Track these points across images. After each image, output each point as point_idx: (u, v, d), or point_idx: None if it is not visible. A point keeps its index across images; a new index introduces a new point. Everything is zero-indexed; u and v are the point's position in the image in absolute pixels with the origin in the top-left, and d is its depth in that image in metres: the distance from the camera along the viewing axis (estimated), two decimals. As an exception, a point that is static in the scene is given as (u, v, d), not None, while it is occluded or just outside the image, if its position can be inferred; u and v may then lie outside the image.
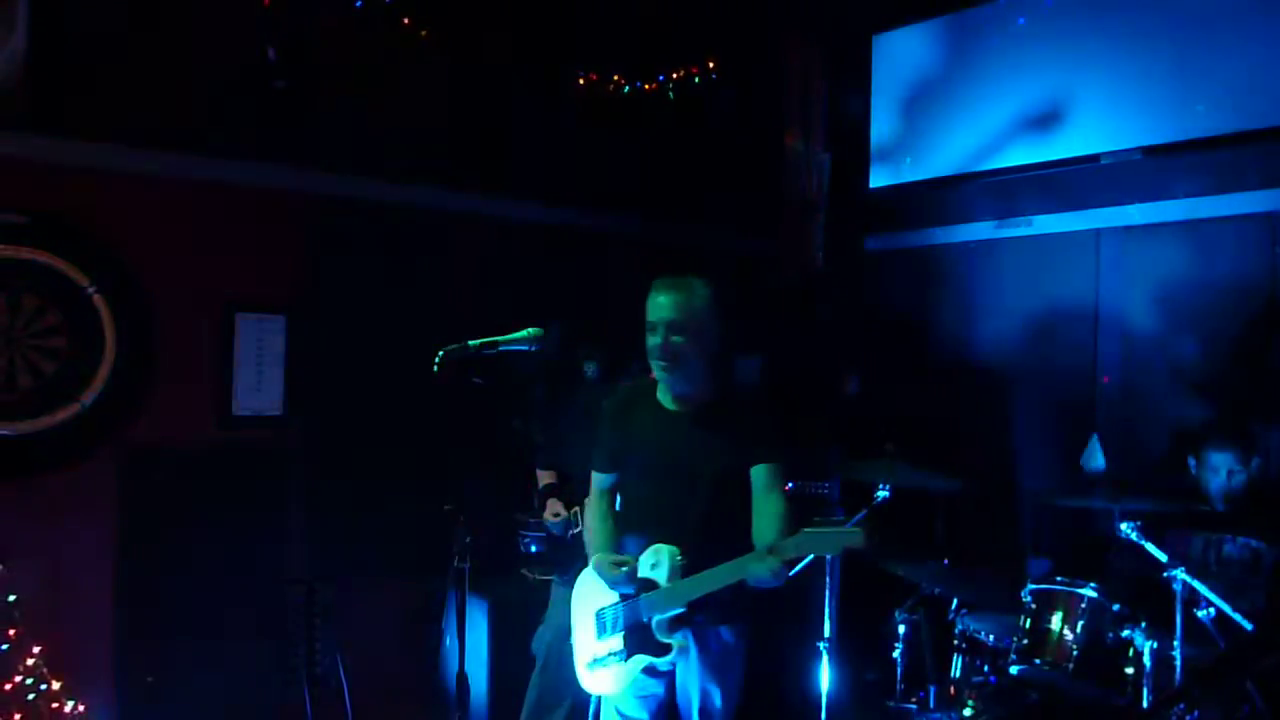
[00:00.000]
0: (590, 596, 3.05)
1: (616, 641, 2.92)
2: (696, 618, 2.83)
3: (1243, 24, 4.14)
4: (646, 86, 5.35)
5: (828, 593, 3.68)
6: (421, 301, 4.69)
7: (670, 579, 2.81)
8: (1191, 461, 3.74)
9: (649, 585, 2.86)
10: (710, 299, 2.91)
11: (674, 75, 5.39)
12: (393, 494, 4.57)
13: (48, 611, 3.74)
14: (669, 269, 5.27)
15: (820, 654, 3.65)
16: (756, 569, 2.64)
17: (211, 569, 4.15)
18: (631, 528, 3.01)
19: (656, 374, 2.92)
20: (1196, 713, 3.03)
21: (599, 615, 2.99)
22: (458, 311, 4.73)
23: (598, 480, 3.13)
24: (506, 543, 4.53)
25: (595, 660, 2.97)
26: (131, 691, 3.99)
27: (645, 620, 2.84)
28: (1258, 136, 4.12)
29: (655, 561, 2.85)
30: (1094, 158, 4.57)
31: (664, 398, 2.99)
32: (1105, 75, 4.55)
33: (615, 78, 5.24)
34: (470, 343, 2.62)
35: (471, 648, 4.21)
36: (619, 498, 3.13)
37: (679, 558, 2.81)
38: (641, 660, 2.84)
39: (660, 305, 2.89)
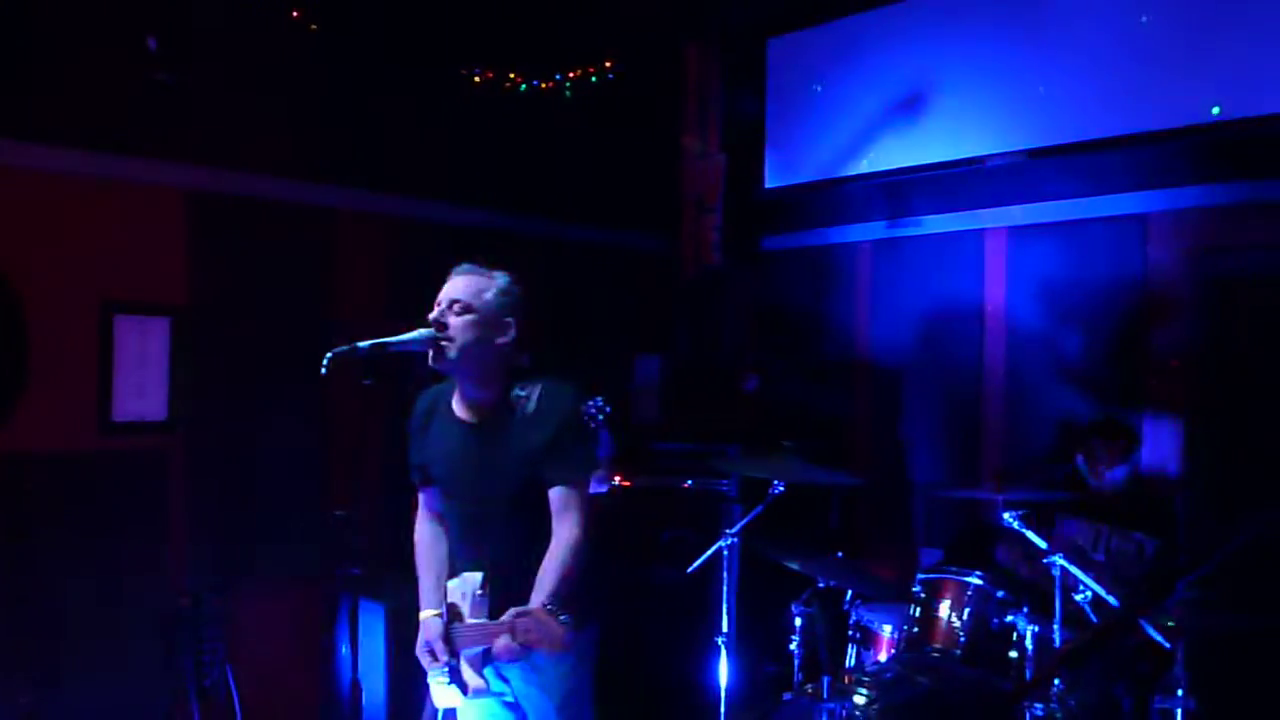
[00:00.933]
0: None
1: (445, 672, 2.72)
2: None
3: (1113, 29, 4.32)
4: (544, 85, 5.33)
5: (725, 587, 3.73)
6: (311, 302, 4.60)
7: (473, 613, 2.64)
8: (1079, 457, 3.88)
9: (457, 615, 2.69)
10: (510, 292, 2.71)
11: (571, 74, 5.38)
12: (283, 499, 4.47)
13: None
14: (569, 267, 5.34)
15: (718, 649, 3.69)
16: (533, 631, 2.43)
17: (94, 581, 4.00)
18: (452, 548, 2.83)
19: (435, 365, 2.65)
20: (1075, 693, 3.16)
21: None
22: (349, 312, 4.65)
23: (421, 497, 2.93)
24: (404, 547, 4.45)
25: (437, 680, 2.77)
26: (6, 712, 3.80)
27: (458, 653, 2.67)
28: (1129, 141, 4.30)
29: (463, 591, 2.68)
30: (980, 159, 4.72)
31: (456, 405, 2.74)
32: (990, 78, 4.70)
33: (512, 75, 5.21)
34: (360, 344, 2.55)
35: (368, 655, 4.16)
36: None
37: (479, 590, 2.63)
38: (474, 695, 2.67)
39: (450, 286, 2.68)
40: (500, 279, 2.73)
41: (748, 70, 5.54)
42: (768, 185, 5.53)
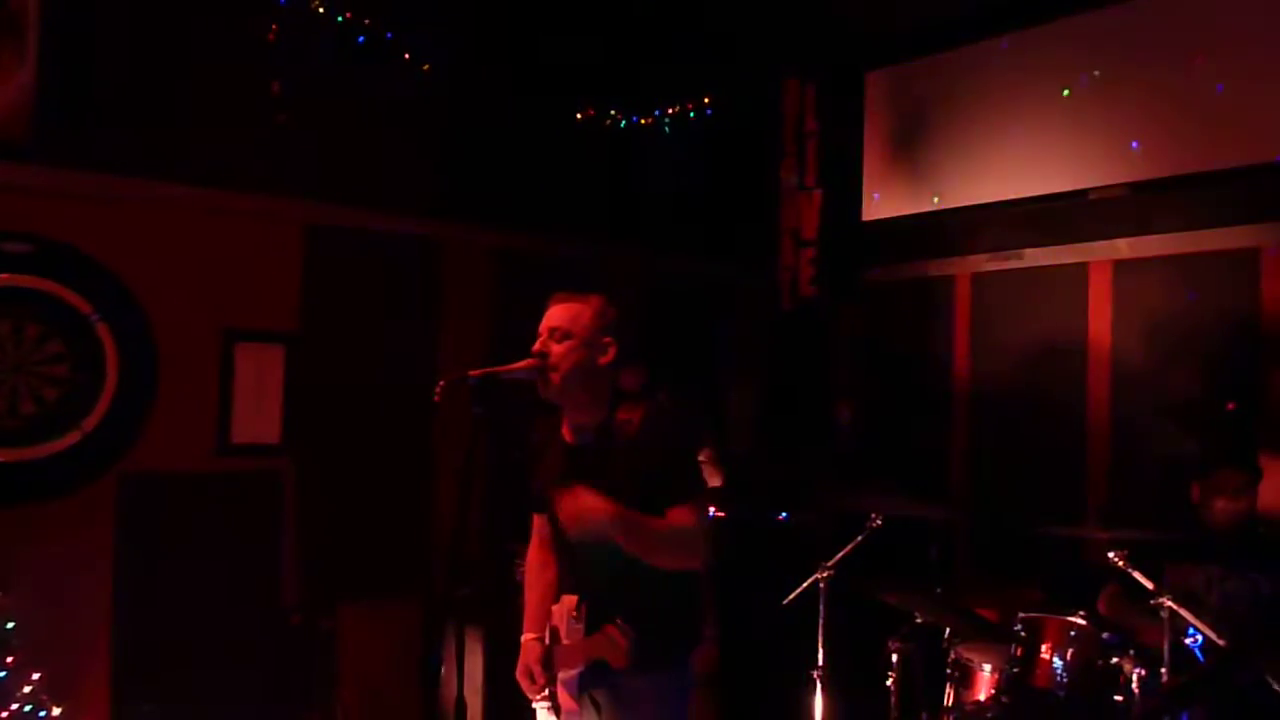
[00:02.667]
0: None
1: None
2: (601, 675, 2.63)
3: (1231, 59, 4.24)
4: (643, 120, 5.44)
5: (820, 621, 3.72)
6: (418, 332, 4.75)
7: (569, 636, 2.66)
8: (1195, 489, 3.76)
9: (556, 639, 2.72)
10: (606, 313, 2.75)
11: (670, 110, 5.48)
12: (390, 521, 4.61)
13: (47, 638, 3.75)
14: (669, 299, 5.40)
15: (813, 683, 3.67)
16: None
17: (210, 597, 4.18)
18: (560, 572, 2.87)
19: (544, 395, 2.70)
20: None
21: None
22: (455, 342, 4.80)
23: (535, 523, 2.98)
24: (505, 571, 4.56)
25: (540, 704, 2.83)
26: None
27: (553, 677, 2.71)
28: (1239, 173, 4.20)
29: (562, 615, 2.70)
30: (1082, 192, 4.66)
31: (566, 432, 2.78)
32: (1091, 110, 4.64)
33: (612, 112, 5.33)
34: (471, 373, 2.64)
35: (469, 678, 4.25)
36: None
37: (575, 613, 2.65)
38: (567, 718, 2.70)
39: (548, 316, 2.74)
40: (595, 301, 2.78)
41: (845, 104, 5.56)
42: (866, 218, 5.53)
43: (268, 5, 4.29)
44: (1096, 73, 4.62)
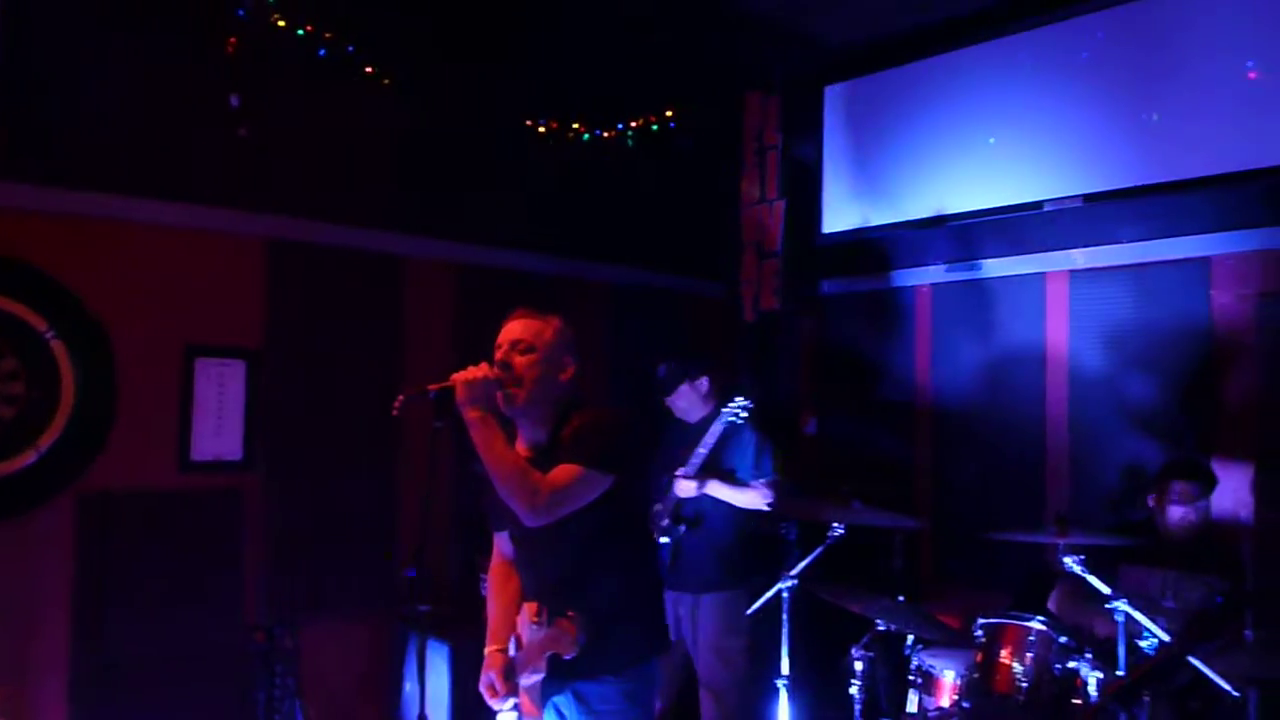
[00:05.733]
0: None
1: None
2: (564, 681, 2.67)
3: (1171, 76, 4.33)
4: (606, 134, 5.47)
5: (785, 630, 3.74)
6: (381, 347, 4.74)
7: (530, 640, 2.70)
8: (1150, 497, 3.83)
9: (520, 647, 2.75)
10: (566, 332, 2.79)
11: (633, 124, 5.51)
12: (353, 537, 4.58)
13: (4, 657, 3.70)
14: (632, 312, 5.42)
15: (779, 692, 3.70)
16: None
17: (170, 614, 4.13)
18: (521, 585, 2.89)
19: (504, 407, 2.71)
20: None
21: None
22: (419, 357, 4.79)
23: (495, 539, 2.99)
24: (470, 585, 4.54)
25: (505, 715, 2.85)
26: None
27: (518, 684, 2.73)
28: (1190, 185, 4.29)
29: (524, 622, 2.73)
30: (1038, 204, 4.74)
31: (520, 445, 2.79)
32: (1047, 123, 4.73)
33: (575, 125, 5.36)
34: (430, 388, 2.64)
35: (433, 692, 4.23)
36: None
37: (535, 619, 2.68)
38: None
39: (509, 329, 2.76)
40: (555, 321, 2.81)
41: (806, 118, 5.63)
42: (826, 230, 5.59)
43: (227, 18, 4.27)
44: (1053, 85, 4.70)
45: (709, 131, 5.67)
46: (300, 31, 4.43)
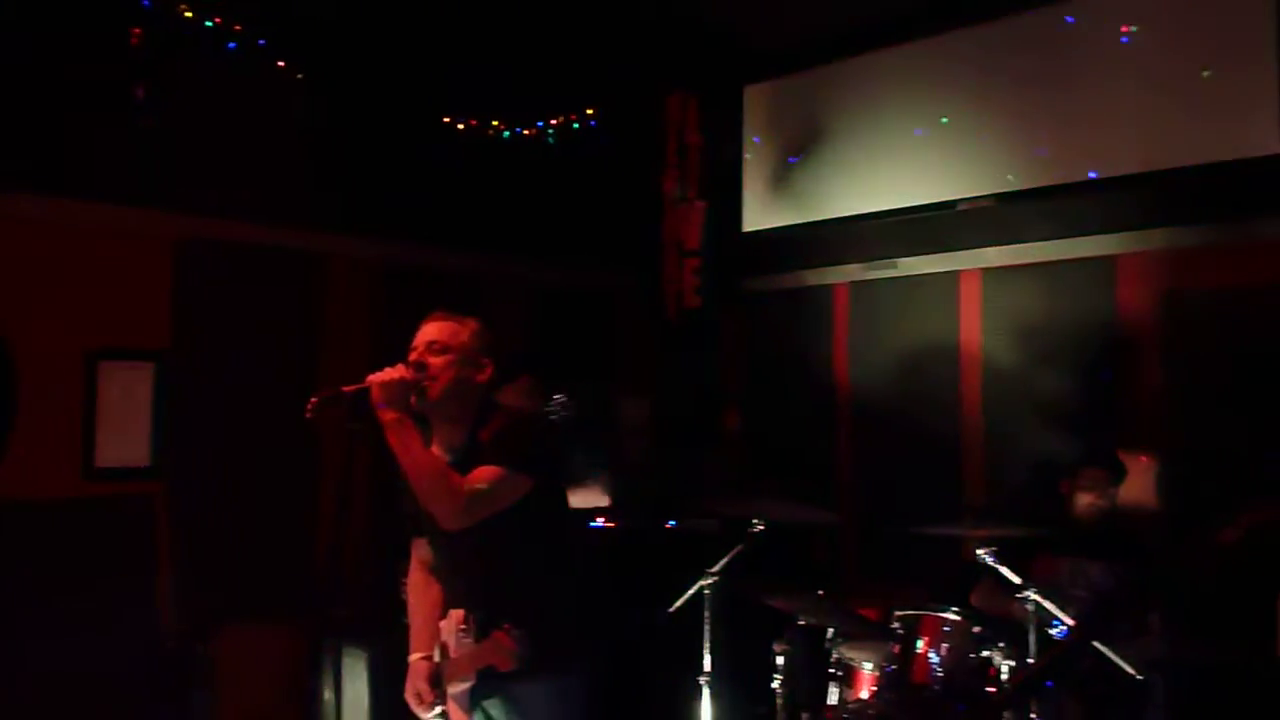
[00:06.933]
0: None
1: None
2: (492, 685, 2.65)
3: (1090, 76, 4.46)
4: (526, 132, 5.43)
5: (706, 626, 3.75)
6: (298, 347, 4.63)
7: (458, 648, 2.68)
8: (1062, 486, 3.94)
9: (446, 654, 2.73)
10: (484, 334, 2.76)
11: (554, 121, 5.49)
12: (269, 543, 4.47)
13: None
14: (554, 311, 5.40)
15: (700, 689, 3.71)
16: None
17: (78, 627, 3.97)
18: (444, 590, 2.85)
19: (418, 406, 2.66)
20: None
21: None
22: (336, 357, 4.70)
23: (413, 545, 2.94)
24: (390, 590, 4.47)
25: None
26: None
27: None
28: (1095, 184, 4.42)
29: (449, 629, 2.71)
30: (951, 203, 4.84)
31: (435, 446, 2.74)
32: (961, 124, 4.82)
33: (495, 123, 5.31)
34: (343, 388, 2.59)
35: (353, 701, 4.16)
36: None
37: (462, 626, 2.66)
38: None
39: (425, 330, 2.73)
40: (472, 322, 2.78)
41: (726, 117, 5.66)
42: (746, 229, 5.64)
43: (131, 8, 4.13)
44: (965, 88, 4.80)
45: (630, 130, 5.67)
46: (209, 23, 4.31)
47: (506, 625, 2.60)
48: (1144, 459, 4.25)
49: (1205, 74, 4.08)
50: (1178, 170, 4.18)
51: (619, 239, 5.67)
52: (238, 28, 4.38)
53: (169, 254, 4.34)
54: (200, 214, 4.38)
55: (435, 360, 2.68)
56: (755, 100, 5.66)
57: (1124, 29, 4.33)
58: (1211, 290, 4.20)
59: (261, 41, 4.45)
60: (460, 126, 5.18)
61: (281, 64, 4.53)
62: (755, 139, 5.62)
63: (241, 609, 4.41)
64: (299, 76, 4.57)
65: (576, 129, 5.52)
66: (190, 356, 4.35)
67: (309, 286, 4.72)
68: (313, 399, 2.54)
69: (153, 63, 4.20)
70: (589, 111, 5.53)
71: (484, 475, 2.58)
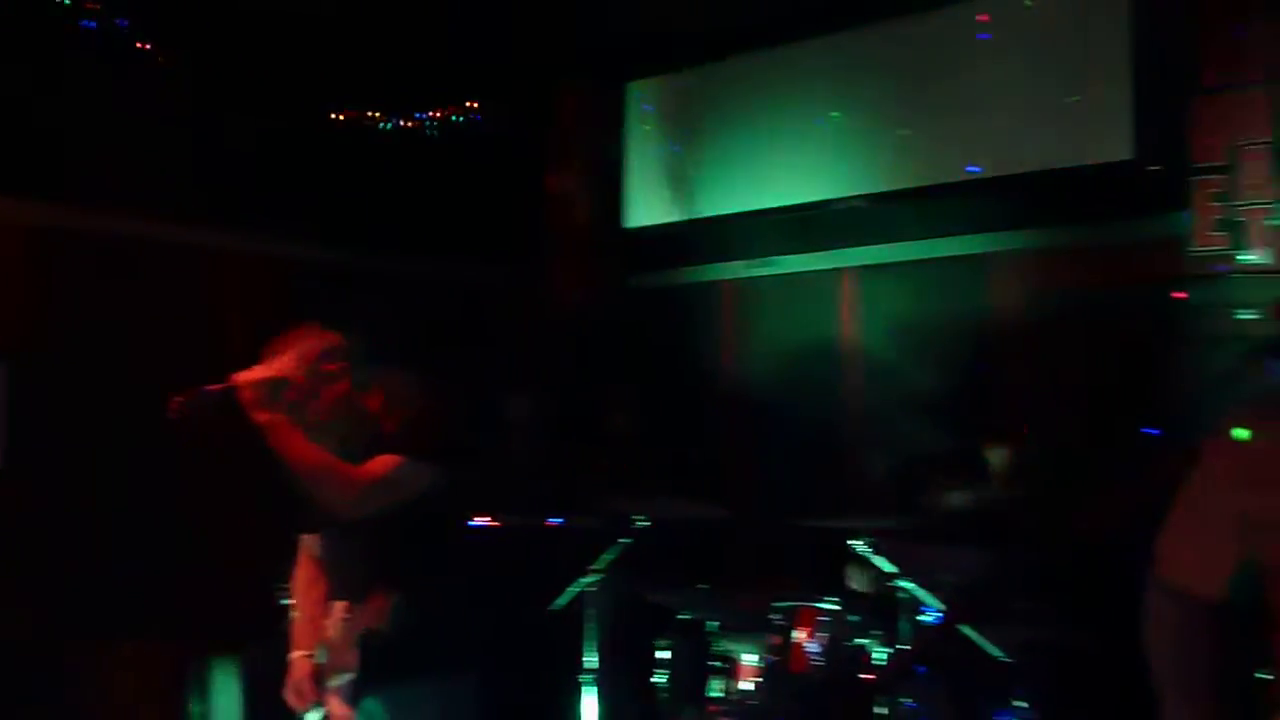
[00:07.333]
0: None
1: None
2: (374, 684, 2.64)
3: (963, 83, 4.61)
4: (407, 124, 5.33)
5: (590, 624, 3.75)
6: (166, 344, 4.44)
7: (341, 640, 2.69)
8: (933, 480, 4.06)
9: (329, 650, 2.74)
10: (347, 343, 2.76)
11: (434, 114, 5.39)
12: (134, 551, 4.28)
13: None
14: (438, 306, 5.30)
15: (584, 687, 3.70)
16: None
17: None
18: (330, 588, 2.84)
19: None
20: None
21: None
22: (207, 355, 4.51)
23: (301, 542, 2.94)
24: (261, 599, 4.32)
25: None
26: None
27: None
28: (974, 186, 4.58)
29: (332, 624, 2.72)
30: (828, 202, 4.94)
31: None
32: (840, 125, 4.93)
33: (375, 114, 5.19)
34: (208, 387, 2.51)
35: (223, 713, 4.02)
36: None
37: (344, 618, 2.68)
38: None
39: (294, 335, 2.73)
40: (343, 332, 2.77)
41: (613, 113, 5.66)
42: (632, 225, 5.65)
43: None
44: (845, 90, 4.91)
45: (515, 124, 5.62)
46: (85, 10, 4.09)
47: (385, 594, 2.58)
48: (1011, 450, 4.42)
49: (1074, 100, 4.23)
50: (1042, 174, 4.36)
51: (503, 234, 5.61)
52: (94, 6, 4.16)
53: (21, 245, 4.11)
54: (61, 203, 4.17)
55: (307, 367, 2.65)
56: (642, 96, 5.67)
57: (983, 37, 4.49)
58: (1073, 289, 4.38)
59: (123, 23, 4.25)
60: (339, 118, 5.04)
61: (146, 46, 4.33)
62: (641, 135, 5.64)
63: (105, 621, 4.21)
64: (163, 61, 4.38)
65: (461, 122, 5.43)
66: (50, 355, 4.13)
67: (181, 281, 4.55)
68: (176, 400, 2.47)
69: (14, 46, 3.98)
70: (473, 105, 5.45)
71: (383, 464, 2.58)
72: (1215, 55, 3.75)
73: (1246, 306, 3.57)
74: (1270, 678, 1.61)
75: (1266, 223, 3.60)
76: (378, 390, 2.78)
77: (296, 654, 2.80)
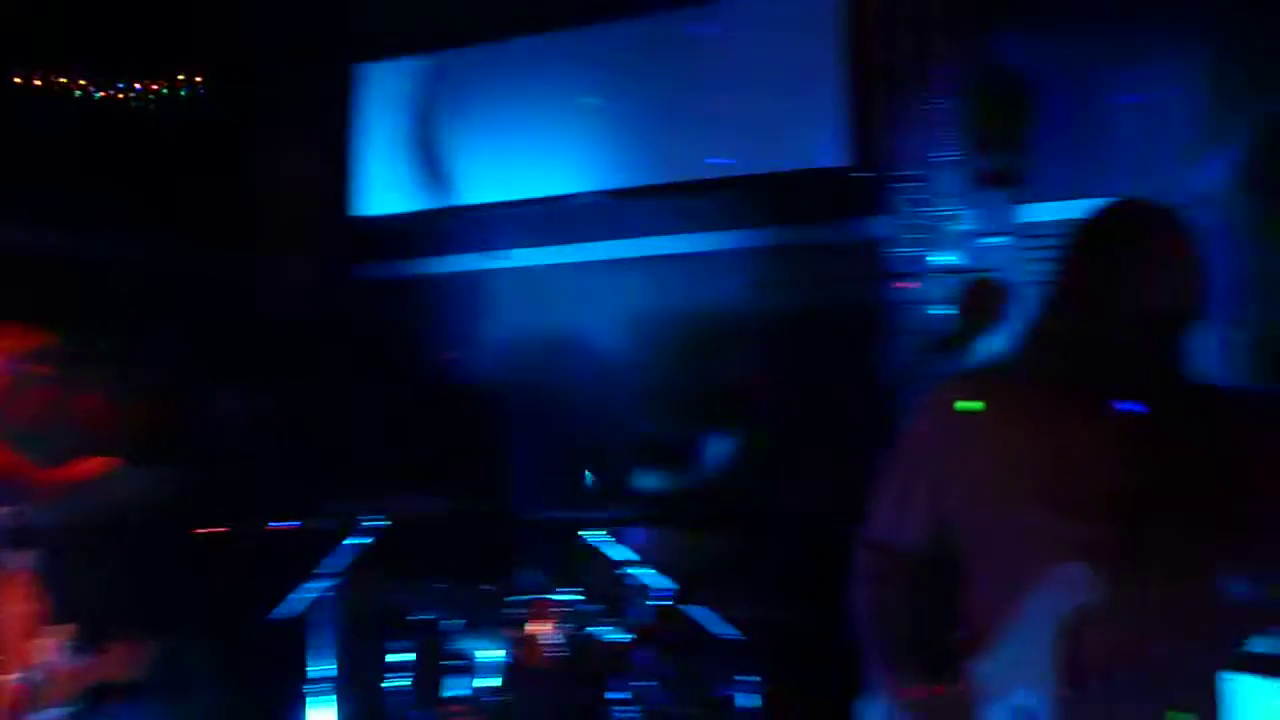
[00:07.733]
0: None
1: None
2: (94, 711, 2.60)
3: (698, 85, 4.77)
4: (119, 95, 4.90)
5: (324, 630, 3.61)
6: None
7: (67, 665, 2.60)
8: (660, 468, 4.21)
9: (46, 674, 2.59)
10: (42, 343, 2.65)
11: (152, 86, 4.99)
12: None
13: None
14: (147, 293, 4.89)
15: (308, 697, 3.57)
16: None
17: None
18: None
19: None
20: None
21: None
22: None
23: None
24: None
25: None
26: None
27: None
28: (701, 186, 4.77)
29: (54, 646, 2.60)
30: (569, 197, 5.00)
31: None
32: (582, 119, 5.00)
33: (82, 82, 4.73)
34: None
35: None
36: None
37: (73, 639, 2.61)
38: None
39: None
40: (34, 335, 2.61)
41: (344, 96, 5.46)
42: (361, 212, 5.48)
43: None
44: (589, 84, 4.98)
45: (238, 103, 5.29)
46: None
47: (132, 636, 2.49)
48: (735, 436, 4.65)
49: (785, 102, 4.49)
50: (767, 177, 4.62)
51: (223, 219, 5.27)
52: None
53: None
54: None
55: (10, 378, 2.49)
56: (376, 79, 5.50)
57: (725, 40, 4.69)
58: (791, 286, 4.66)
59: None
60: (36, 83, 4.55)
61: None
62: (375, 119, 5.47)
63: None
64: None
65: (177, 97, 5.06)
66: None
67: None
68: None
69: None
70: (195, 79, 5.09)
71: (89, 466, 2.50)
72: (914, 70, 4.09)
73: (938, 303, 3.95)
74: (958, 632, 1.78)
75: (955, 228, 3.99)
76: (89, 390, 2.61)
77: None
